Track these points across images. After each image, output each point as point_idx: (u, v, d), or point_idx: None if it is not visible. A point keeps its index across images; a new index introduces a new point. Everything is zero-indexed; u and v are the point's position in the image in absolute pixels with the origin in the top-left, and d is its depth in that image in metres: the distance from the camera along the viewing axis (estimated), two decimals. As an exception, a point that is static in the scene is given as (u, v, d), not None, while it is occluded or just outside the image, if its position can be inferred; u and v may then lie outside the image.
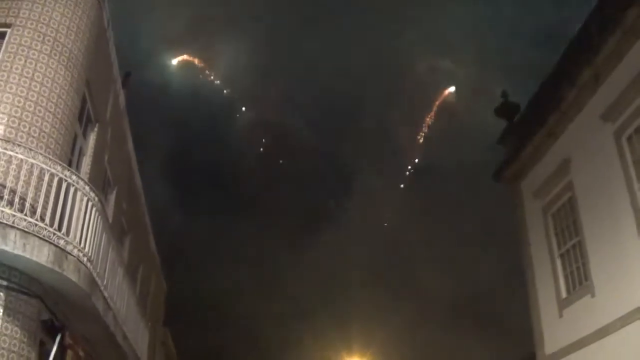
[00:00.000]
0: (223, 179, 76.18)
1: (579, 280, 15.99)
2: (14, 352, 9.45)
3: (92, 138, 13.89)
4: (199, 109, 73.77)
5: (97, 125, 14.05)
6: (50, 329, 10.65)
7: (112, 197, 16.45)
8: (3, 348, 9.33)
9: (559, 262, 17.02)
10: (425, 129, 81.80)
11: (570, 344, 15.65)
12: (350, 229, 78.21)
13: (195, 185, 74.58)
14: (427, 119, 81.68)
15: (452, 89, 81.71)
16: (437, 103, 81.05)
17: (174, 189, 71.51)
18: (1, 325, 9.38)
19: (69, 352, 11.50)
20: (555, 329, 16.82)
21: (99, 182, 14.57)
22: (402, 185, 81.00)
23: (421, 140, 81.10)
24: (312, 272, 70.27)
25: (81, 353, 12.07)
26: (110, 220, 15.56)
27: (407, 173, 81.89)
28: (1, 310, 9.44)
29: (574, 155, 16.60)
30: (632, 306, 13.29)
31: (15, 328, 9.56)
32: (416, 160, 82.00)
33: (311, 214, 79.24)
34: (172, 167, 71.13)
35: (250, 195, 76.93)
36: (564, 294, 16.60)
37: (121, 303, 13.39)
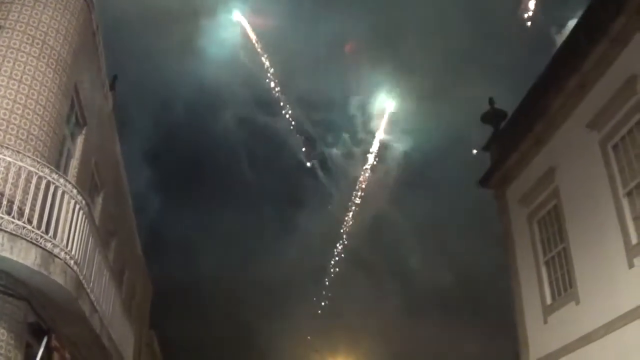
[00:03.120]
0: (204, 167, 75.95)
1: (563, 287, 16.12)
2: (0, 354, 9.50)
3: (79, 141, 13.92)
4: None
5: (85, 128, 14.09)
6: (36, 331, 10.68)
7: (99, 200, 16.47)
8: (-10, 350, 9.39)
9: (544, 269, 17.13)
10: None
11: (555, 350, 15.79)
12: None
13: (175, 172, 74.22)
14: None
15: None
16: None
17: (153, 175, 70.99)
18: (-12, 327, 9.41)
19: (55, 355, 11.52)
20: (540, 335, 16.92)
21: (86, 185, 14.60)
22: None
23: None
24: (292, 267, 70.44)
25: (67, 355, 12.06)
26: (97, 222, 15.60)
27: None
28: (-12, 313, 9.48)
29: (559, 163, 16.72)
30: (616, 314, 13.44)
31: (2, 330, 9.61)
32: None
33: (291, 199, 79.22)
34: (153, 153, 70.57)
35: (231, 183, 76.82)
36: (549, 301, 16.72)
37: (107, 305, 13.41)
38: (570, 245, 15.88)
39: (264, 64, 71.15)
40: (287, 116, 75.98)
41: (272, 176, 79.20)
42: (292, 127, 77.61)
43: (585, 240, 15.22)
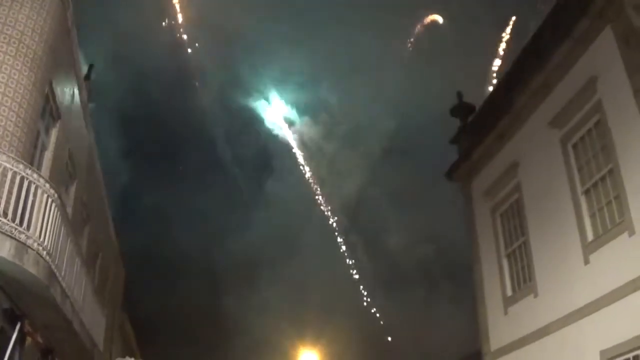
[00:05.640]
0: (177, 142, 75.90)
1: (523, 280, 16.49)
2: (-25, 338, 10.03)
3: (53, 134, 14.24)
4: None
5: (59, 121, 14.42)
6: (10, 317, 11.12)
7: (73, 189, 16.80)
8: (-36, 335, 9.89)
9: (505, 261, 17.50)
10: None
11: (514, 341, 16.19)
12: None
13: (148, 143, 73.87)
14: None
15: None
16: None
17: (127, 144, 70.51)
18: (-37, 313, 9.88)
19: (29, 339, 12.00)
20: (500, 326, 17.27)
21: (60, 176, 14.94)
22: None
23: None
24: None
25: (40, 340, 12.55)
26: (71, 210, 16.01)
27: None
28: (-37, 300, 9.95)
29: (522, 159, 17.06)
30: (571, 308, 13.86)
31: (-23, 316, 10.10)
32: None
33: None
34: (127, 122, 70.00)
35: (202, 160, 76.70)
36: (509, 292, 17.07)
37: (78, 292, 13.85)
38: (530, 239, 16.26)
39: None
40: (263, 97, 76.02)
41: (245, 151, 79.27)
42: (268, 106, 77.63)
43: (545, 235, 15.59)
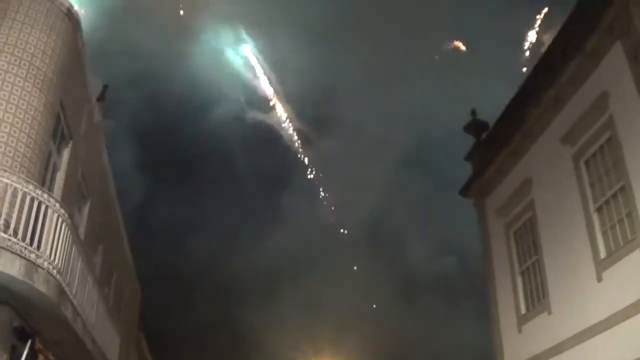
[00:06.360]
0: (193, 157, 75.83)
1: (537, 298, 16.43)
2: (-14, 355, 10.13)
3: (65, 154, 14.40)
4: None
5: (71, 141, 14.57)
6: (21, 334, 11.17)
7: (86, 208, 16.93)
8: (-25, 353, 10.01)
9: (519, 279, 17.46)
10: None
11: (528, 359, 16.07)
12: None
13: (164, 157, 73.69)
14: None
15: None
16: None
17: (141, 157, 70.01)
18: (-25, 331, 10.03)
19: (40, 357, 12.11)
20: (514, 343, 17.23)
21: (73, 195, 15.09)
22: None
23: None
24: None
25: (51, 357, 12.60)
26: (84, 230, 16.18)
27: None
28: (-26, 318, 10.10)
29: (535, 176, 17.02)
30: (584, 325, 13.81)
31: (-12, 333, 10.21)
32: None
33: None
34: (142, 138, 69.75)
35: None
36: (523, 310, 17.03)
37: (90, 310, 14.00)
38: (543, 257, 16.21)
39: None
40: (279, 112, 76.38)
41: (262, 165, 79.08)
42: (284, 123, 77.88)
43: (558, 252, 15.56)
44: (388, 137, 75.77)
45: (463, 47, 75.37)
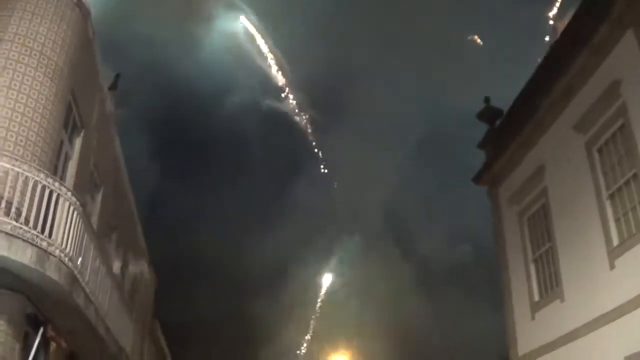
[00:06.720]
0: (205, 147, 75.84)
1: (550, 285, 16.40)
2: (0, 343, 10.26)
3: (77, 143, 14.51)
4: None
5: (83, 130, 14.68)
6: (34, 322, 11.38)
7: (99, 197, 17.06)
8: (-11, 340, 10.13)
9: (532, 267, 17.42)
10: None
11: (541, 346, 16.09)
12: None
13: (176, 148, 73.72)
14: None
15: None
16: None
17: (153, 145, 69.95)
18: (-13, 319, 10.14)
19: (52, 344, 12.28)
20: (528, 330, 17.21)
21: (85, 184, 15.20)
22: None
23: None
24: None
25: (64, 344, 12.81)
26: (97, 218, 16.33)
27: None
28: (-12, 305, 10.21)
29: (548, 163, 16.98)
30: (598, 313, 13.74)
31: (1, 321, 10.35)
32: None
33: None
34: (155, 127, 69.59)
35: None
36: (536, 298, 17.00)
37: (103, 298, 14.16)
38: (556, 244, 16.18)
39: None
40: (292, 100, 76.27)
41: (274, 155, 78.85)
42: (296, 111, 77.77)
43: (571, 240, 15.53)
44: (402, 124, 75.56)
45: (479, 41, 74.75)
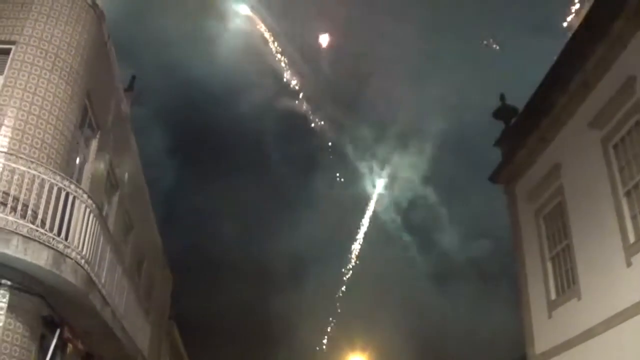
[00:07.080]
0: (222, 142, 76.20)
1: (567, 283, 16.30)
2: (17, 345, 10.30)
3: (93, 145, 14.61)
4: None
5: (99, 132, 14.77)
6: (50, 324, 11.46)
7: (116, 198, 17.15)
8: (7, 342, 10.16)
9: (549, 265, 17.31)
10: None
11: (559, 344, 16.00)
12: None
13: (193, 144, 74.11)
14: None
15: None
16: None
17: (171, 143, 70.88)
18: (5, 321, 10.20)
19: (69, 345, 12.36)
20: (545, 329, 17.15)
21: (102, 185, 15.32)
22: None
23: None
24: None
25: (80, 346, 12.87)
26: (113, 219, 16.41)
27: None
28: (5, 308, 10.25)
29: (564, 160, 16.88)
30: (615, 310, 13.63)
31: (18, 324, 10.42)
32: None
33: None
34: (173, 123, 70.49)
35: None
36: (553, 296, 16.91)
37: (120, 299, 14.22)
38: (573, 242, 16.08)
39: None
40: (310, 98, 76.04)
41: (293, 150, 79.35)
42: (314, 108, 77.59)
43: (587, 237, 15.43)
44: (422, 121, 75.44)
45: (496, 46, 74.32)
